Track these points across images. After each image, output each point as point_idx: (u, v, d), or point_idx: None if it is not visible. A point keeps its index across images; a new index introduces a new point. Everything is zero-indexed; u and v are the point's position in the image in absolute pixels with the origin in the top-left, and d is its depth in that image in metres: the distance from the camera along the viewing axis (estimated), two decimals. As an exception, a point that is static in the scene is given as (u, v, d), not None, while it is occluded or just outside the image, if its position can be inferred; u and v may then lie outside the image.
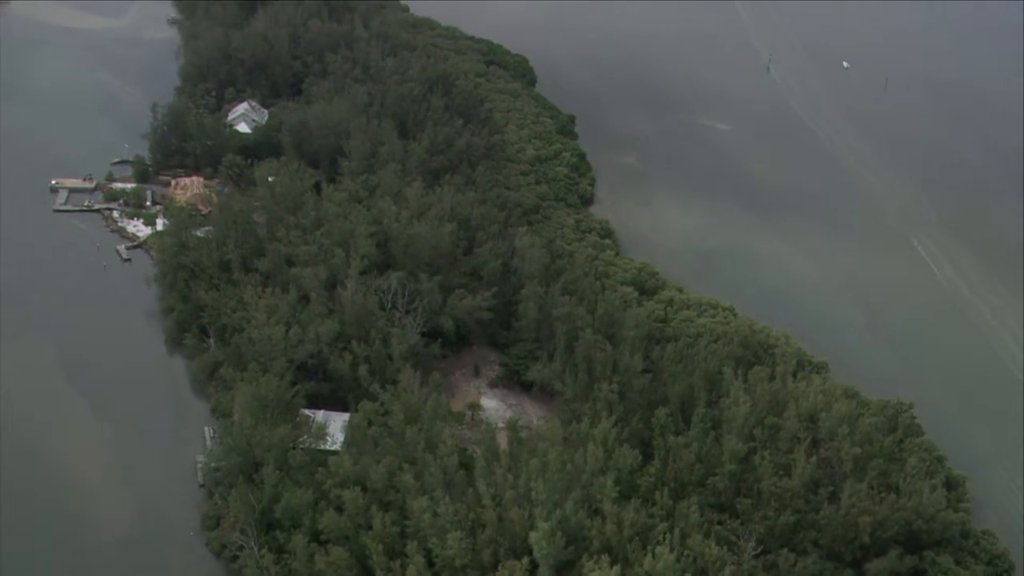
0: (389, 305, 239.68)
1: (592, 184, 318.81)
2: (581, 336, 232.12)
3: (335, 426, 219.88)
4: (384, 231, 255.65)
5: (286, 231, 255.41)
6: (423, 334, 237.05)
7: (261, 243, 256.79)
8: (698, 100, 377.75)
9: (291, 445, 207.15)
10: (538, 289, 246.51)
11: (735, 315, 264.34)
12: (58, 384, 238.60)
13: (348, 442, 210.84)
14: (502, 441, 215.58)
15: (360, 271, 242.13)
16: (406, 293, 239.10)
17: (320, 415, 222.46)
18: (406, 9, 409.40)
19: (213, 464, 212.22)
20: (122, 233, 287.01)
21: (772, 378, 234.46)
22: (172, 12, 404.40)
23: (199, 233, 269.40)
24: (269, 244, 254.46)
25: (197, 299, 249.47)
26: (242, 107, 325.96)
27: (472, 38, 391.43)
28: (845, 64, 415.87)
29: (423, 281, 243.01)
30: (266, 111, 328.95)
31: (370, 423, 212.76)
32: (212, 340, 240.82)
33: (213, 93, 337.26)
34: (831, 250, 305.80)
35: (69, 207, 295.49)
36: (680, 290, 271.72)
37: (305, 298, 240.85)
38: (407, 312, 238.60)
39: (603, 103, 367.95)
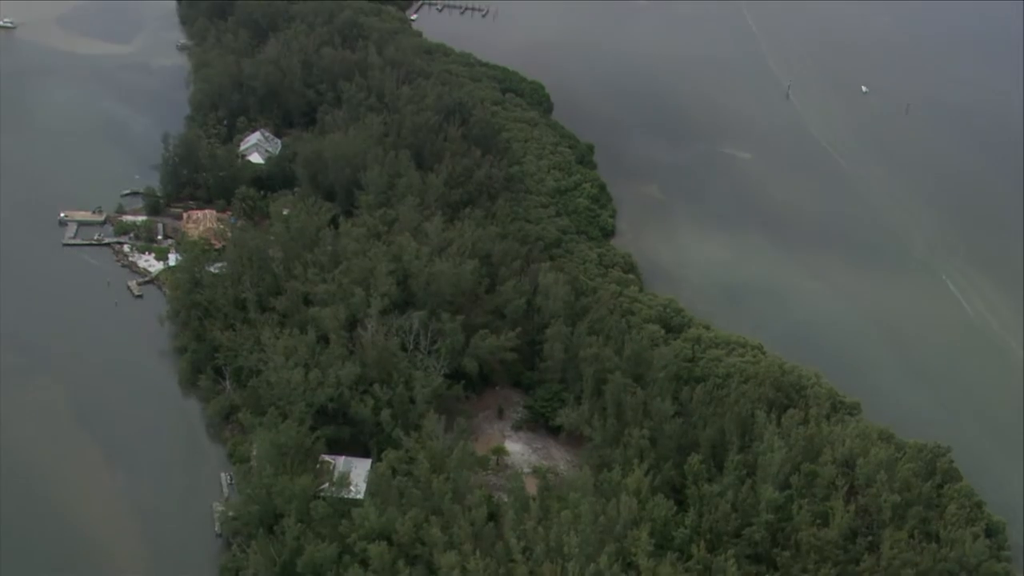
0: (411, 346, 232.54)
1: (613, 216, 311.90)
2: (610, 379, 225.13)
3: (357, 473, 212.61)
4: (404, 268, 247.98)
5: (303, 269, 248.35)
6: (445, 375, 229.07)
7: (277, 281, 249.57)
8: (718, 127, 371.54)
9: (313, 495, 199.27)
10: (564, 329, 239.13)
11: (764, 353, 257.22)
12: (69, 427, 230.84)
13: (372, 492, 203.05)
14: (529, 487, 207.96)
15: (380, 310, 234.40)
16: (429, 334, 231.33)
17: (341, 461, 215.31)
18: (419, 34, 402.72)
19: (231, 513, 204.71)
20: (133, 268, 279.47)
21: (806, 421, 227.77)
22: (181, 38, 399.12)
23: (213, 269, 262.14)
24: (286, 282, 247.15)
25: (212, 338, 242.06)
26: (254, 137, 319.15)
27: (487, 64, 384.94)
28: (864, 88, 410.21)
29: (445, 321, 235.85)
30: (279, 141, 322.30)
31: (395, 472, 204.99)
32: (228, 382, 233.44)
33: (224, 122, 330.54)
34: (858, 283, 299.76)
35: (78, 241, 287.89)
36: (707, 327, 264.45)
37: (324, 339, 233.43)
38: (429, 353, 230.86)
39: (621, 131, 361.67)
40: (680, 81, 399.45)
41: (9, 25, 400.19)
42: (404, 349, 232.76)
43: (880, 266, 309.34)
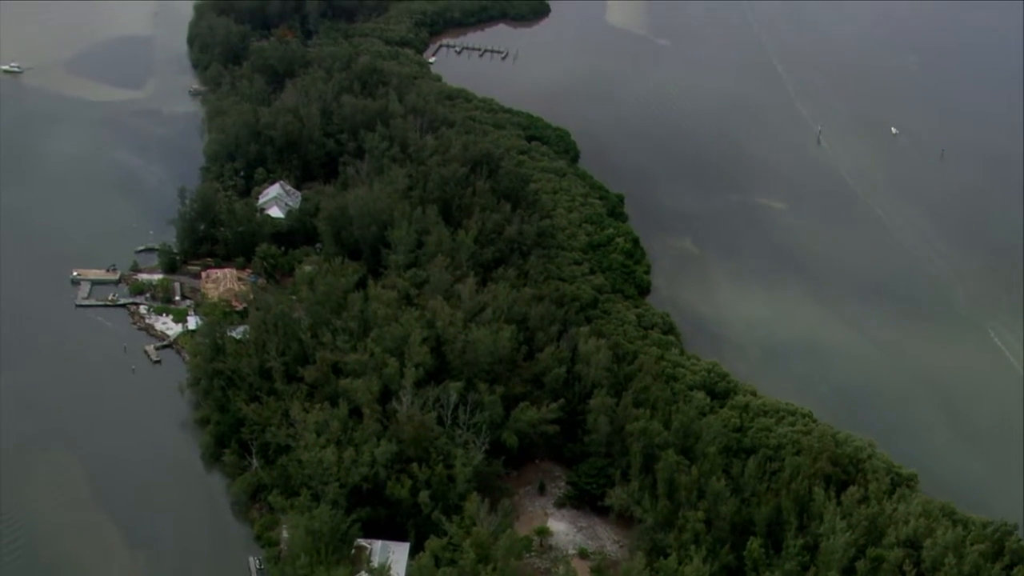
0: (449, 420, 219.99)
1: (648, 271, 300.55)
2: (662, 457, 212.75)
3: (396, 560, 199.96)
4: (437, 334, 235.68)
5: (332, 336, 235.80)
6: (485, 451, 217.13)
7: (304, 348, 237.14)
8: (750, 175, 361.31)
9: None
10: (608, 400, 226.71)
11: (814, 421, 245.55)
12: (85, 503, 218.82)
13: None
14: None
15: (415, 381, 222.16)
16: (468, 407, 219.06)
17: (378, 547, 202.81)
18: (439, 78, 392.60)
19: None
20: (150, 331, 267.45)
21: (866, 498, 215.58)
22: (194, 83, 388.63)
23: (235, 334, 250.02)
24: (314, 350, 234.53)
25: (236, 410, 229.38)
26: (274, 190, 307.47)
27: (510, 110, 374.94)
28: (893, 130, 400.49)
29: (483, 392, 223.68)
30: (299, 193, 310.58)
31: (438, 561, 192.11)
32: (254, 458, 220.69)
33: (241, 174, 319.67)
34: (902, 339, 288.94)
35: (92, 301, 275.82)
36: (754, 393, 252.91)
37: (356, 411, 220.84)
38: (468, 428, 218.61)
39: (651, 180, 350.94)
40: (708, 126, 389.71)
41: (16, 70, 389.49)
42: (441, 423, 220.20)
43: (923, 320, 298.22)
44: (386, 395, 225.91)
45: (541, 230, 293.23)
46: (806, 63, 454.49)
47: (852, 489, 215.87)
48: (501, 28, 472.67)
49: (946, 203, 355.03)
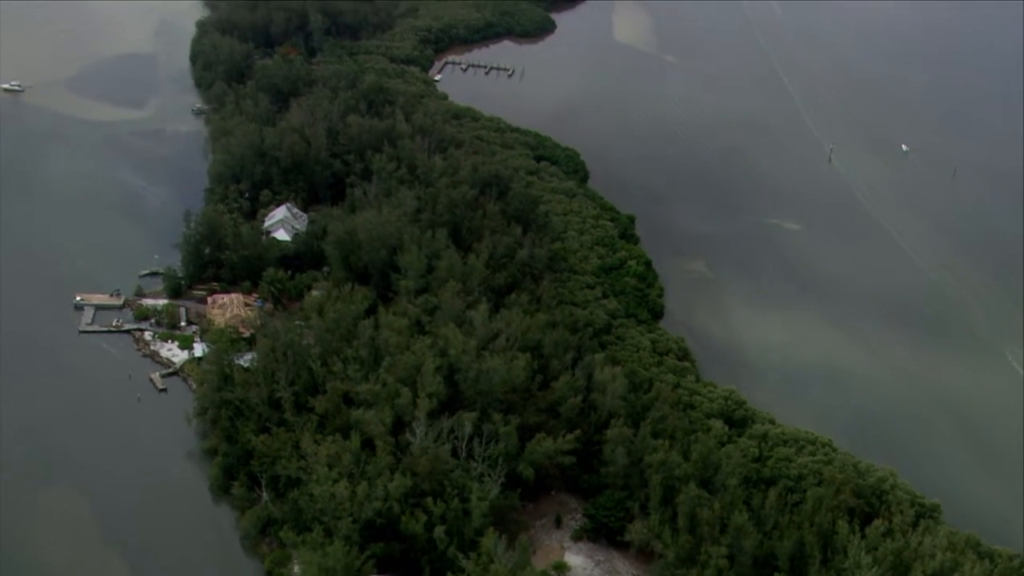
0: (464, 453, 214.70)
1: (661, 295, 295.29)
2: (683, 491, 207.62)
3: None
4: (450, 362, 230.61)
5: (343, 365, 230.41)
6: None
7: (314, 377, 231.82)
8: (761, 194, 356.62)
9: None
10: (626, 431, 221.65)
11: (835, 450, 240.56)
12: (92, 538, 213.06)
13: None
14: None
15: (428, 411, 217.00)
16: (484, 440, 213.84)
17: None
18: (445, 96, 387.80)
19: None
20: (155, 358, 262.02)
21: (890, 531, 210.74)
22: (197, 102, 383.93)
23: (243, 362, 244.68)
24: (324, 379, 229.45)
25: (245, 441, 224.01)
26: (280, 212, 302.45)
27: (518, 130, 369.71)
28: (904, 147, 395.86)
29: (498, 422, 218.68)
30: (305, 216, 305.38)
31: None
32: (264, 491, 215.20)
33: (246, 195, 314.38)
34: (920, 363, 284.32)
35: (96, 327, 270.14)
36: (772, 421, 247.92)
37: (368, 443, 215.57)
38: (484, 460, 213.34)
39: (662, 200, 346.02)
40: (718, 144, 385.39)
41: (17, 88, 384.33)
42: (456, 455, 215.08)
43: (940, 343, 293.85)
44: (398, 425, 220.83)
45: (552, 253, 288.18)
46: (814, 79, 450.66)
47: (877, 522, 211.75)
48: (506, 45, 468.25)
49: (959, 222, 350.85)
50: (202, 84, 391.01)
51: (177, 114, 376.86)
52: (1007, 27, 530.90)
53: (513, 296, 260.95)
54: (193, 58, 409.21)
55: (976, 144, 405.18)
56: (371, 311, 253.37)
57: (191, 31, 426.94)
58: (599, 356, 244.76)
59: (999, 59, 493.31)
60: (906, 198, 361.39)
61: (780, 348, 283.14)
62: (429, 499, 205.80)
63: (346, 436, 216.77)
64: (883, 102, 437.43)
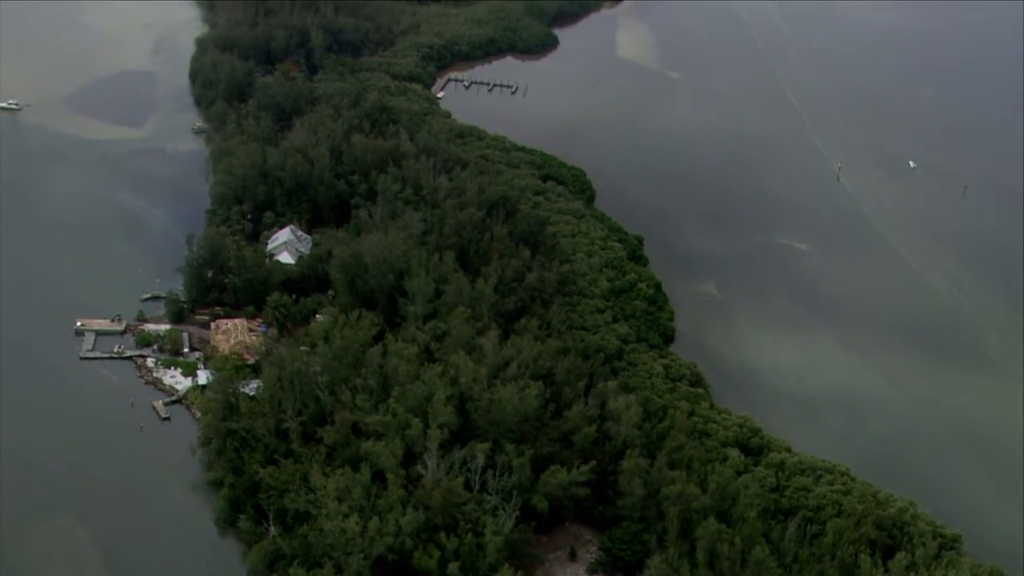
0: (477, 486, 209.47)
1: (671, 318, 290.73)
2: (702, 525, 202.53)
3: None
4: (460, 391, 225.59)
5: (351, 394, 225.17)
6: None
7: (322, 407, 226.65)
8: (770, 213, 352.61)
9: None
10: (642, 462, 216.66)
11: (853, 479, 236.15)
12: (94, 572, 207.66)
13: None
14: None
15: (440, 443, 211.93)
16: (497, 473, 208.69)
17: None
18: (448, 115, 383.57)
19: None
20: (158, 385, 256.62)
21: (913, 564, 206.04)
22: (197, 120, 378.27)
23: (248, 390, 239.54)
24: (332, 409, 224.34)
25: (252, 473, 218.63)
26: (284, 235, 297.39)
27: (523, 149, 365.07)
28: (911, 163, 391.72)
29: (511, 454, 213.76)
30: (309, 238, 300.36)
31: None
32: (272, 526, 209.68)
33: (249, 217, 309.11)
34: (935, 387, 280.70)
35: (97, 354, 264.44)
36: (788, 450, 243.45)
37: (379, 475, 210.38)
38: (497, 492, 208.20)
39: (670, 220, 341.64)
40: (724, 162, 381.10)
41: (14, 107, 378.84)
42: (469, 488, 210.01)
43: (955, 367, 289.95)
44: (409, 457, 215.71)
45: (562, 276, 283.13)
46: (819, 94, 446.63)
47: (900, 555, 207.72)
48: (509, 61, 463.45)
49: (971, 242, 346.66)
50: (202, 102, 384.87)
51: (177, 133, 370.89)
52: (1011, 35, 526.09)
53: (523, 321, 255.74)
54: (192, 75, 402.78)
55: (984, 160, 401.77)
56: (379, 337, 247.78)
57: (190, 48, 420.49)
58: (612, 383, 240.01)
59: (1004, 69, 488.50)
60: (916, 216, 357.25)
61: (794, 372, 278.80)
62: (442, 534, 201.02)
63: (356, 468, 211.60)
64: (889, 117, 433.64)
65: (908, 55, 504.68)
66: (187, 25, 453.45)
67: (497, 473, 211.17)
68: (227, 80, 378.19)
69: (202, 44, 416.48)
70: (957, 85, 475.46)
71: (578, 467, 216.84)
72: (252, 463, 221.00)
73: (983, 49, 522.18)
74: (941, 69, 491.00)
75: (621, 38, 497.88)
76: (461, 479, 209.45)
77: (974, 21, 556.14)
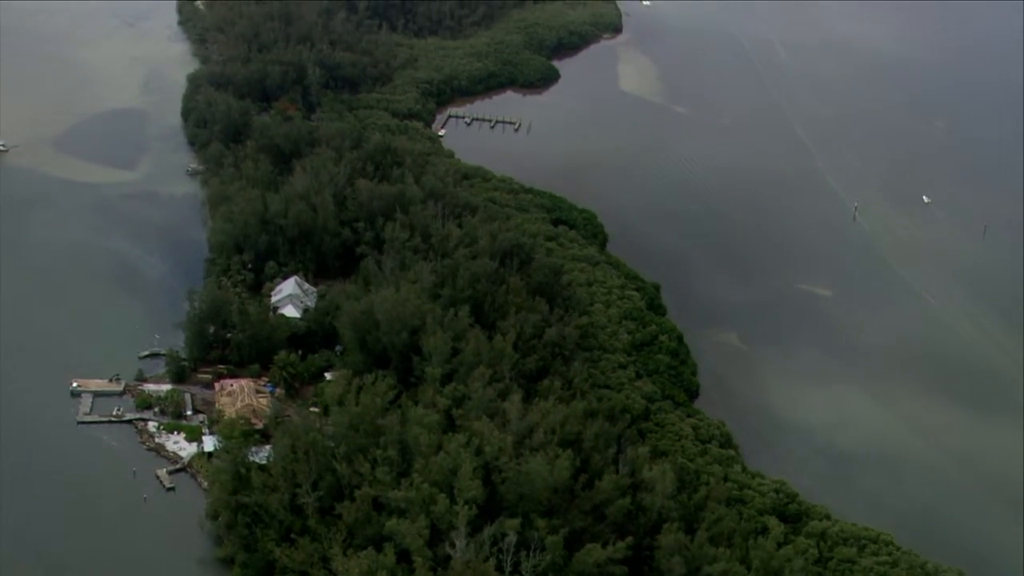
0: (509, 567, 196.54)
1: (694, 372, 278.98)
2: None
3: None
4: (486, 461, 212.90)
5: (370, 467, 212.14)
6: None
7: (339, 479, 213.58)
8: (788, 257, 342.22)
9: None
10: (681, 537, 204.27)
11: (898, 549, 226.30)
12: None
13: None
14: None
15: (468, 520, 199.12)
16: (531, 553, 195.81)
17: None
18: (451, 154, 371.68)
19: None
20: (160, 451, 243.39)
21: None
22: (191, 162, 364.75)
23: (258, 458, 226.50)
24: (350, 481, 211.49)
25: (266, 552, 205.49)
26: (288, 286, 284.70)
27: (531, 190, 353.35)
28: (926, 199, 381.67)
29: (542, 530, 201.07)
30: (315, 290, 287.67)
31: None
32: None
33: (250, 267, 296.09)
34: (973, 444, 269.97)
35: (95, 417, 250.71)
36: (828, 516, 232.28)
37: (404, 556, 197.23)
38: (529, 573, 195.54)
39: (686, 265, 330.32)
40: (737, 203, 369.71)
41: (1, 148, 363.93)
42: (500, 569, 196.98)
43: (989, 420, 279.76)
44: (434, 533, 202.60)
45: (582, 330, 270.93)
46: (830, 130, 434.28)
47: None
48: (510, 95, 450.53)
49: (995, 285, 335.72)
50: (196, 142, 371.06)
51: (170, 175, 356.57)
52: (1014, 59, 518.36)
53: (546, 383, 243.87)
54: (185, 114, 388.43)
55: (999, 195, 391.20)
56: (394, 399, 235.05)
57: (181, 84, 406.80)
58: (643, 450, 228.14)
59: (1012, 97, 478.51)
60: (938, 259, 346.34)
61: (824, 429, 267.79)
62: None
63: (379, 548, 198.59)
64: (902, 152, 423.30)
65: (917, 86, 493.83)
66: (178, 60, 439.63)
67: (530, 553, 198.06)
68: (223, 120, 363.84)
69: (194, 81, 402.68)
70: (966, 115, 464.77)
71: (614, 543, 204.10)
72: (266, 540, 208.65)
73: (989, 76, 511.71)
74: (949, 99, 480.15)
75: (623, 70, 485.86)
76: (492, 560, 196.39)
77: (972, 48, 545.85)
